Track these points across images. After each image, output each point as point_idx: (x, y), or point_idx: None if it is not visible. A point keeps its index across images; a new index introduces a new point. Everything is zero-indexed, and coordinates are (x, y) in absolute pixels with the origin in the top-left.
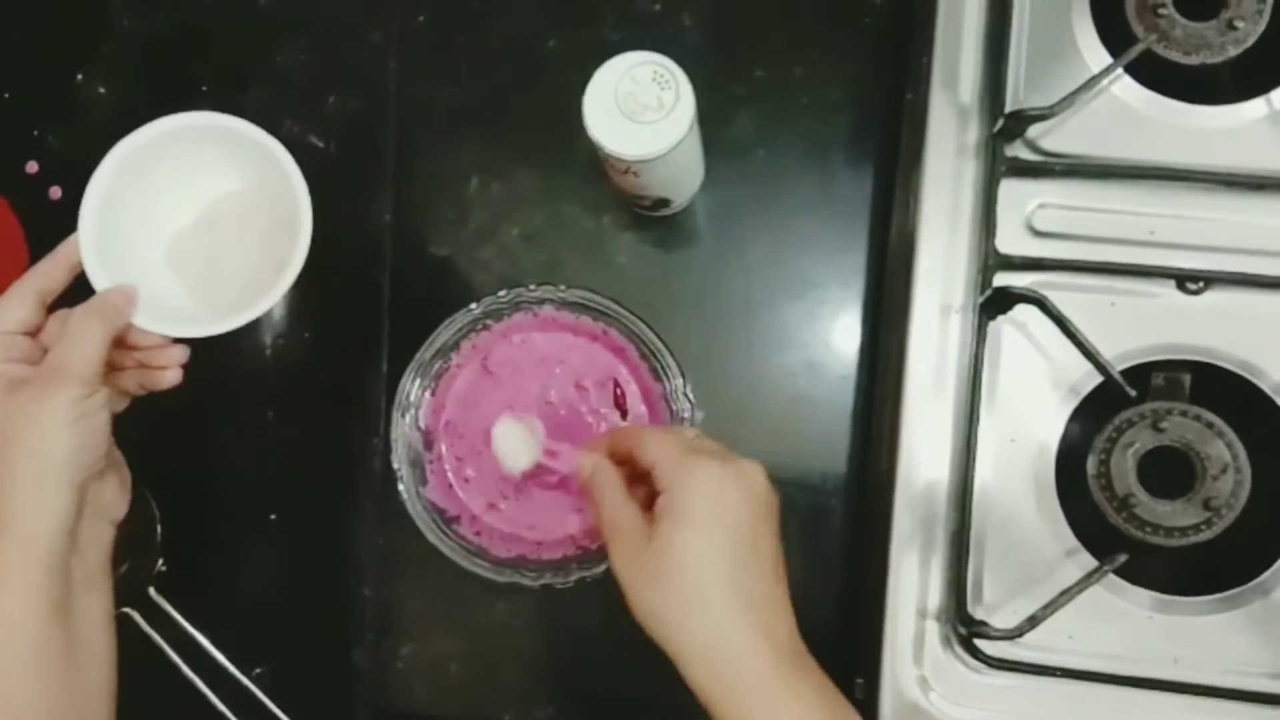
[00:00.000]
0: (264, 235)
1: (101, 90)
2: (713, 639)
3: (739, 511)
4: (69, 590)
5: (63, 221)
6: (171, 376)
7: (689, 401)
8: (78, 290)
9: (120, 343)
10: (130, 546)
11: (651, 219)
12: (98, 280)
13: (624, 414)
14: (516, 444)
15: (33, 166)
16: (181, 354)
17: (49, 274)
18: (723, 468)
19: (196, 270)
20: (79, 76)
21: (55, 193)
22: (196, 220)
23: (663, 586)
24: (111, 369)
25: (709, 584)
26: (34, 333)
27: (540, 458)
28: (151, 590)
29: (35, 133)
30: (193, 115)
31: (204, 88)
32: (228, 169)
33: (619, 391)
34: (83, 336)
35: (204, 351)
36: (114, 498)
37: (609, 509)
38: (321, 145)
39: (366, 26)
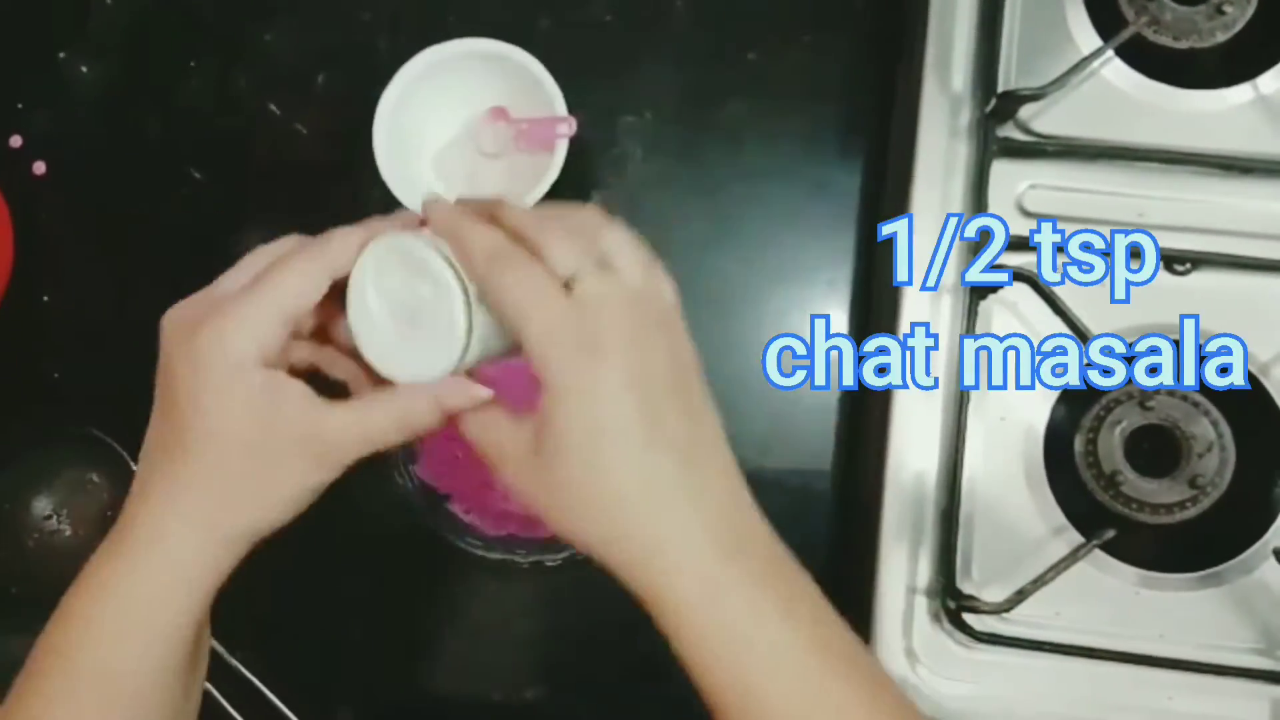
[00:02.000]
0: (521, 149)
1: (84, 68)
2: (635, 538)
3: (620, 344)
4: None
5: (46, 196)
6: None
7: None
8: None
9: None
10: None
11: (643, 200)
12: (393, 185)
13: None
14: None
15: (16, 141)
16: None
17: (342, 249)
18: (577, 322)
19: (459, 181)
20: (62, 53)
21: (39, 167)
22: (459, 135)
23: (565, 492)
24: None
25: (607, 464)
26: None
27: None
28: None
29: (19, 106)
30: (462, 42)
31: (191, 63)
32: (491, 88)
33: None
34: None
35: None
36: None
37: (479, 431)
38: (311, 124)
39: (356, 5)
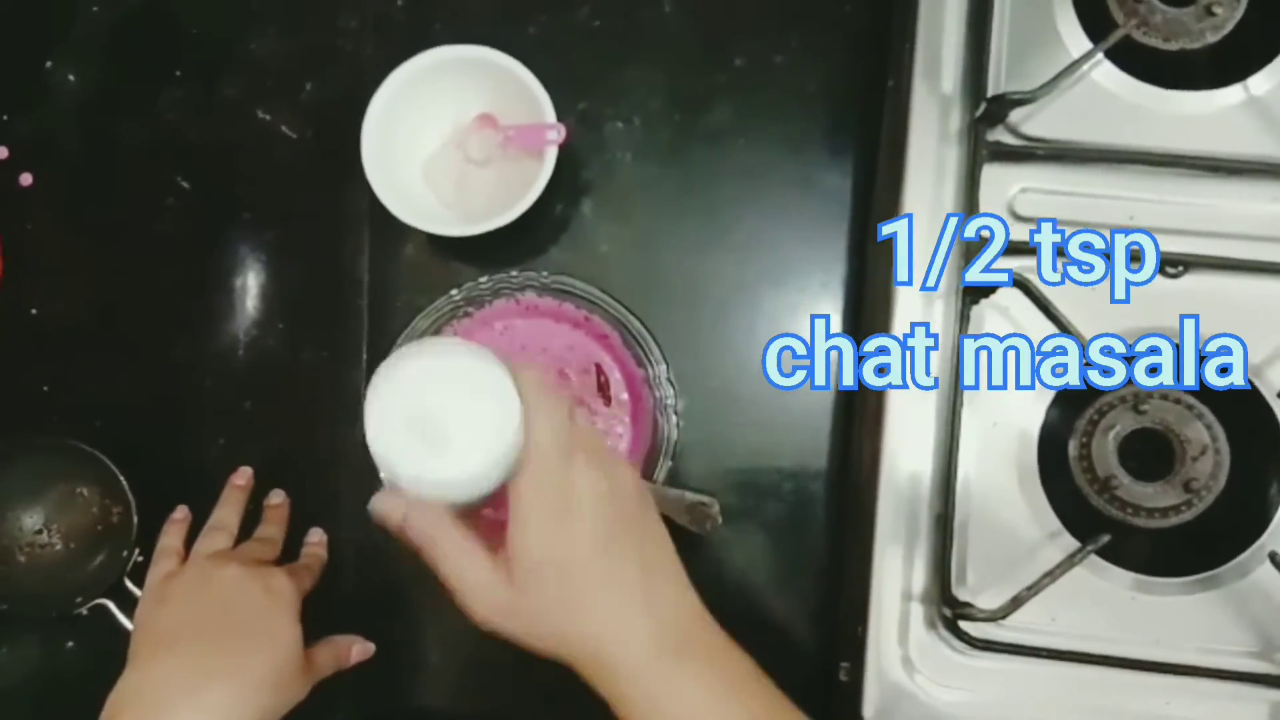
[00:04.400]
0: (510, 155)
1: (71, 77)
2: (588, 640)
3: (584, 509)
4: None
5: (34, 207)
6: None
7: (672, 387)
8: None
9: None
10: (106, 537)
11: (633, 206)
12: (381, 193)
13: (607, 400)
14: None
15: (2, 152)
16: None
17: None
18: (561, 468)
19: (448, 187)
20: (48, 63)
21: (26, 179)
22: (448, 142)
23: (529, 610)
24: None
25: (571, 582)
26: None
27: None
28: (126, 580)
29: (5, 118)
30: (451, 49)
31: (177, 72)
32: (479, 95)
33: (602, 378)
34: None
35: (182, 339)
36: None
37: (446, 560)
38: (298, 131)
39: (343, 12)
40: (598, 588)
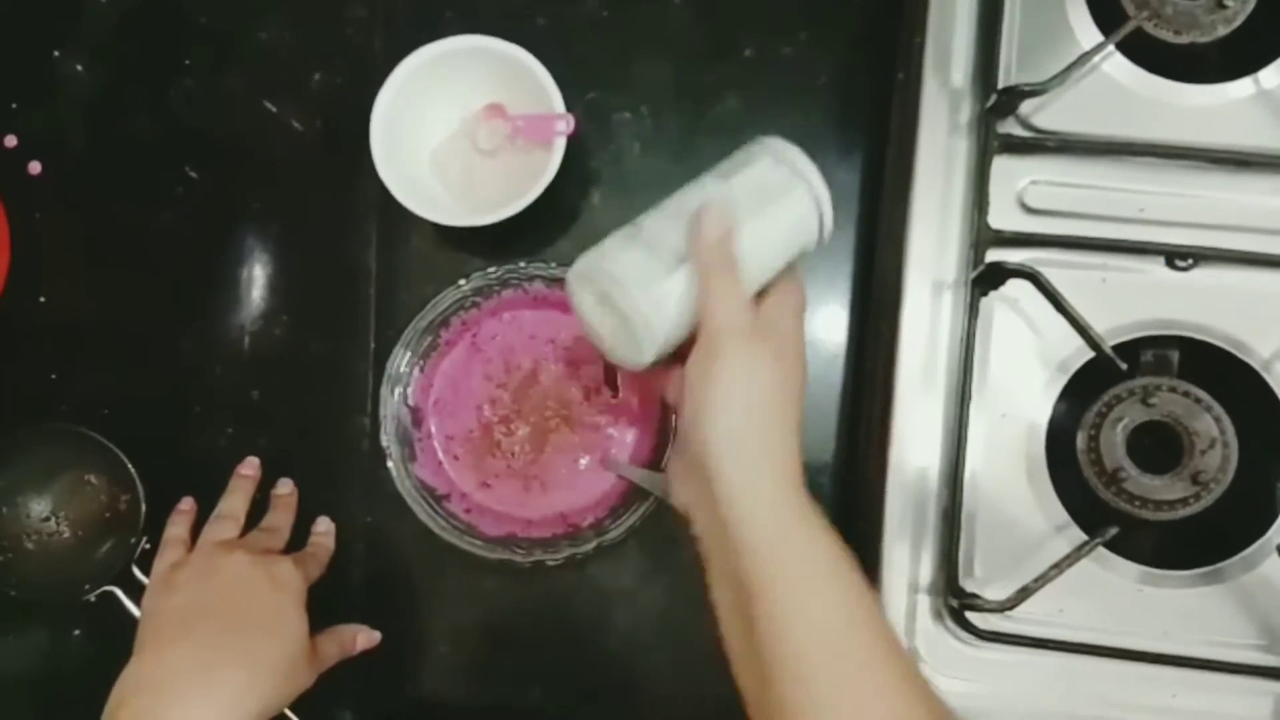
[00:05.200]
0: (518, 146)
1: (79, 68)
2: (738, 463)
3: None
4: None
5: (43, 196)
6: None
7: None
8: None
9: None
10: (114, 525)
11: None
12: (390, 183)
13: (615, 392)
14: None
15: (11, 141)
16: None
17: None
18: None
19: (456, 177)
20: (56, 53)
21: (35, 167)
22: (456, 132)
23: (711, 397)
24: None
25: (749, 410)
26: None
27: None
28: (134, 568)
29: (14, 106)
30: (459, 39)
31: (186, 62)
32: (488, 85)
33: (610, 369)
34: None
35: (190, 329)
36: None
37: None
38: (306, 122)
39: (351, 2)
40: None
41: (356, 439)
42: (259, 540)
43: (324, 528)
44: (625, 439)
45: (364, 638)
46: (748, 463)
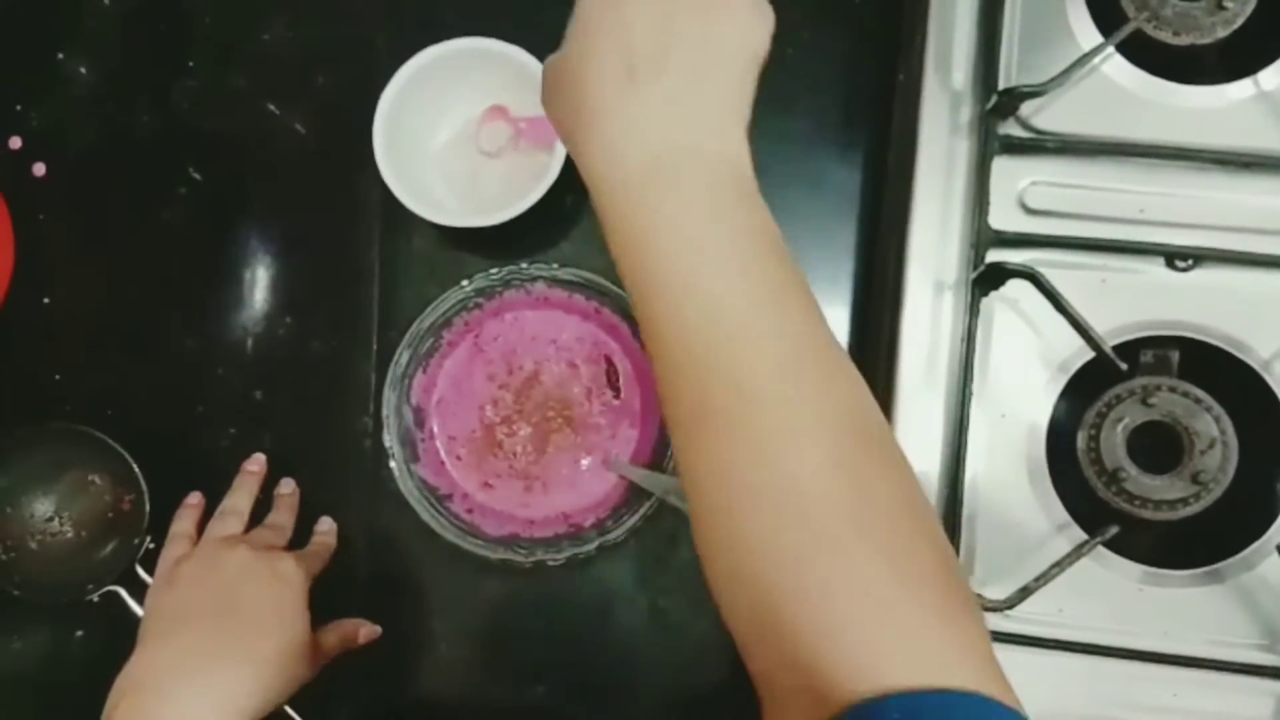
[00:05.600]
0: (521, 148)
1: (83, 70)
2: (595, 144)
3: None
4: None
5: (46, 198)
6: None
7: None
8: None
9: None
10: (118, 524)
11: None
12: (393, 185)
13: (617, 392)
14: None
15: (15, 142)
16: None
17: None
18: None
19: (459, 179)
20: (60, 55)
21: (39, 169)
22: (460, 134)
23: (559, 85)
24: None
25: (596, 89)
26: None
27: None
28: (138, 568)
29: (18, 108)
30: (463, 41)
31: (190, 63)
32: (490, 87)
33: (611, 370)
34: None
35: (194, 329)
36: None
37: None
38: (310, 122)
39: (355, 5)
40: (617, 50)
41: (359, 439)
42: (262, 537)
43: (326, 527)
44: (626, 439)
45: (365, 631)
46: (615, 107)
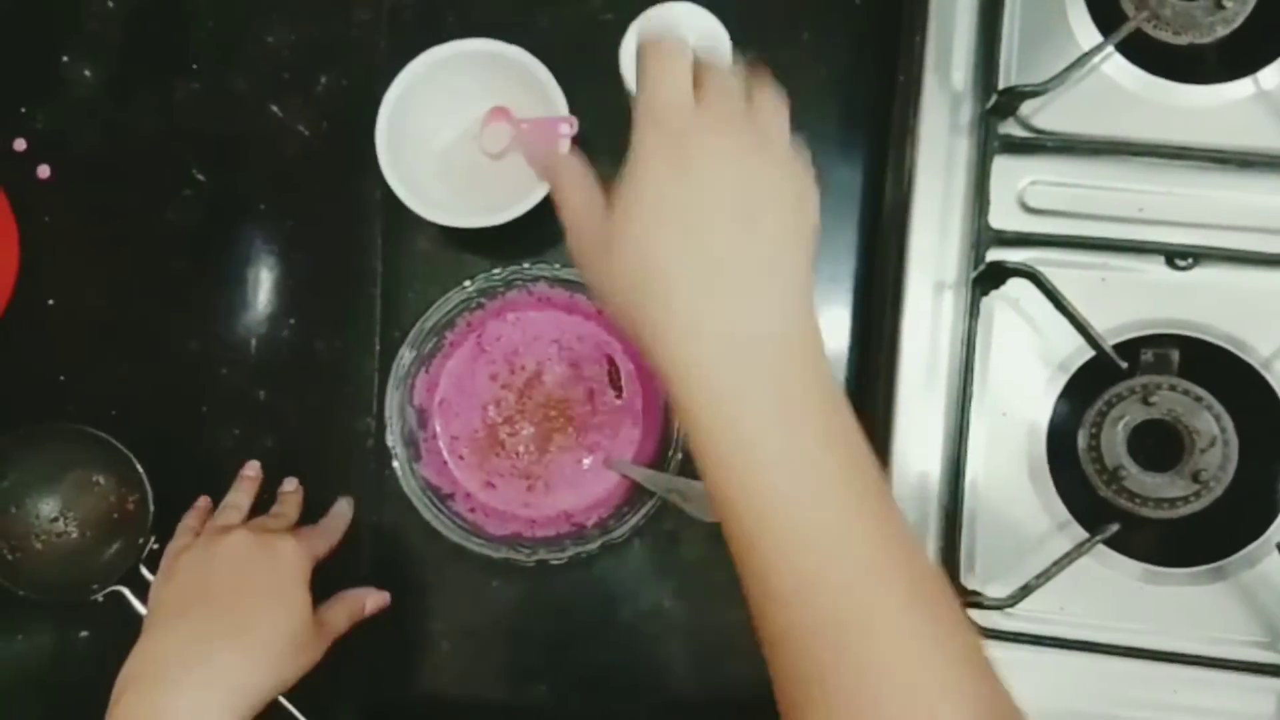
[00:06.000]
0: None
1: (86, 72)
2: (665, 343)
3: (710, 154)
4: None
5: (51, 199)
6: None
7: None
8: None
9: None
10: (122, 525)
11: None
12: (395, 186)
13: (619, 392)
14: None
15: (20, 144)
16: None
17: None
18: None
19: (462, 179)
20: (64, 57)
21: (44, 171)
22: (462, 135)
23: (610, 257)
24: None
25: (658, 267)
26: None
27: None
28: (143, 568)
29: (22, 110)
30: (465, 42)
31: (193, 65)
32: (492, 88)
33: (614, 369)
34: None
35: (197, 329)
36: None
37: (563, 190)
38: (312, 124)
39: (357, 5)
40: (688, 250)
41: (362, 439)
42: (263, 523)
43: (341, 508)
44: (629, 439)
45: (373, 601)
46: (693, 314)
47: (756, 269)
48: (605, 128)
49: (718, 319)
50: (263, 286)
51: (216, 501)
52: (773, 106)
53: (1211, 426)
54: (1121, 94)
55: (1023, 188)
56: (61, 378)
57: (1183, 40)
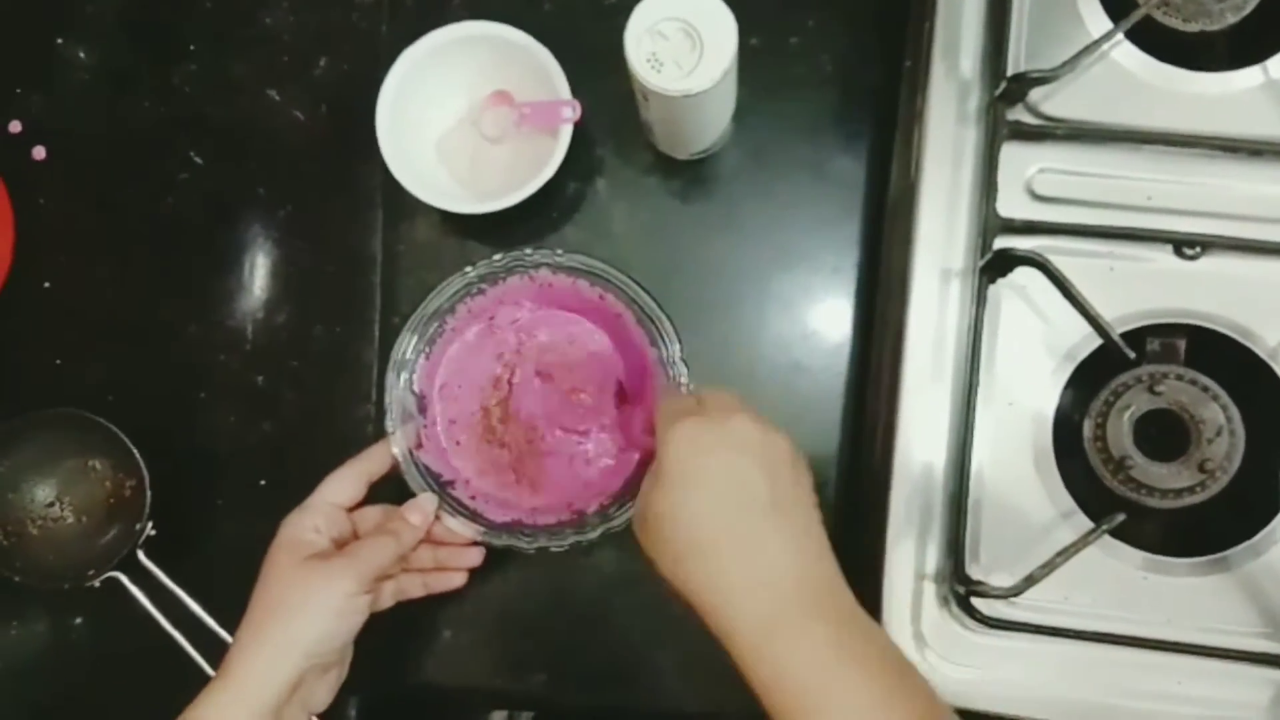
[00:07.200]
0: (524, 133)
1: (82, 54)
2: (708, 592)
3: (717, 466)
4: None
5: (46, 181)
6: (459, 579)
7: (685, 367)
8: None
9: (428, 539)
10: (118, 510)
11: (648, 186)
12: (396, 170)
13: (621, 379)
14: None
15: (16, 126)
16: (477, 556)
17: (376, 458)
18: (699, 426)
19: (462, 164)
20: (59, 39)
21: (39, 153)
22: (463, 119)
23: (652, 541)
24: (406, 569)
25: (693, 539)
26: (354, 507)
27: None
28: (140, 554)
29: (18, 91)
30: (466, 25)
31: (191, 47)
32: (494, 72)
33: (617, 355)
34: (382, 547)
35: (195, 314)
36: (324, 692)
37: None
38: (312, 108)
39: None
40: (713, 541)
41: (361, 425)
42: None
43: (419, 516)
44: (631, 427)
45: (417, 516)
46: (725, 584)
47: (768, 536)
48: (607, 112)
49: (754, 599)
50: (261, 271)
51: (209, 489)
52: (725, 399)
53: (1218, 416)
54: (1131, 81)
55: (1031, 175)
56: (58, 362)
57: (1192, 27)
